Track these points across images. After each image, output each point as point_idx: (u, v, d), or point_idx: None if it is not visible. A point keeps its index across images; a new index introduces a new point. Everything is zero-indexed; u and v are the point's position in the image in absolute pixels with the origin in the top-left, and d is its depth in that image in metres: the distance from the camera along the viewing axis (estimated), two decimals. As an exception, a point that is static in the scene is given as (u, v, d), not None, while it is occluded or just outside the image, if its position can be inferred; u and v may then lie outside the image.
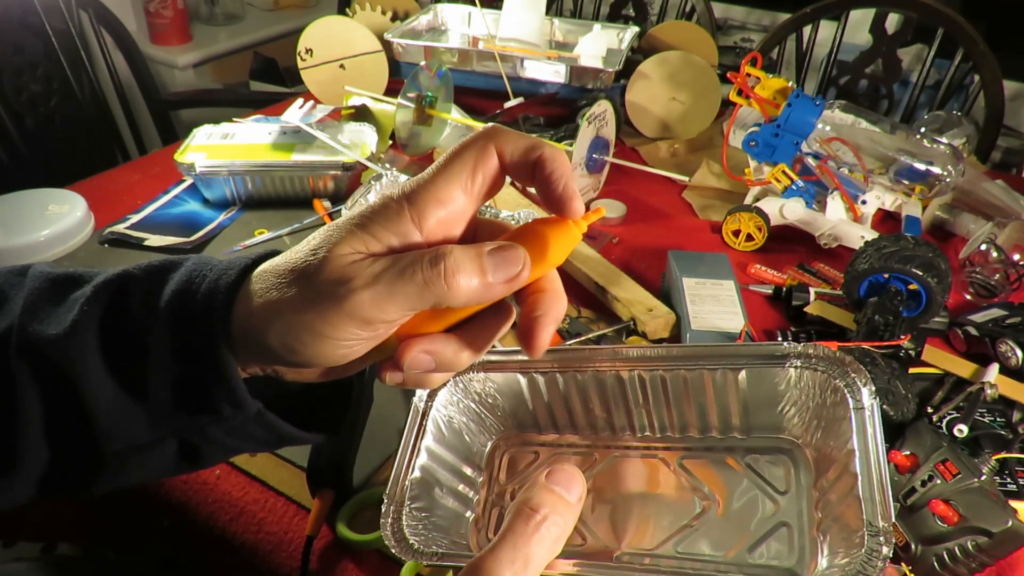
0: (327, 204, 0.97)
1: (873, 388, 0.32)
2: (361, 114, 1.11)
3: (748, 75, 0.92)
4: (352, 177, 0.97)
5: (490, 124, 0.31)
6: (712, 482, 0.37)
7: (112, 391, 0.31)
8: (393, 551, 0.35)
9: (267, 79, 2.08)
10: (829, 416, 0.34)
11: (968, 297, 0.86)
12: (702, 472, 0.38)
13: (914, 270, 0.71)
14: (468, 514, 0.40)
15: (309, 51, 1.21)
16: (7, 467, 0.33)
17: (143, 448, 0.33)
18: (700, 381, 0.36)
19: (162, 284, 0.33)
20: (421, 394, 0.42)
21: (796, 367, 0.34)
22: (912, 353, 0.69)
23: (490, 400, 0.43)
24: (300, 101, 1.07)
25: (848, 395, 0.32)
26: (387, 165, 0.95)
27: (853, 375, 0.32)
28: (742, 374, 0.35)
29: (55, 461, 0.33)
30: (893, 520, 0.29)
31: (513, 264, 0.29)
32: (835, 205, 0.91)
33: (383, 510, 0.36)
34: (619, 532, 0.36)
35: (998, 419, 0.64)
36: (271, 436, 0.34)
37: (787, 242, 0.94)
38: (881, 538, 0.28)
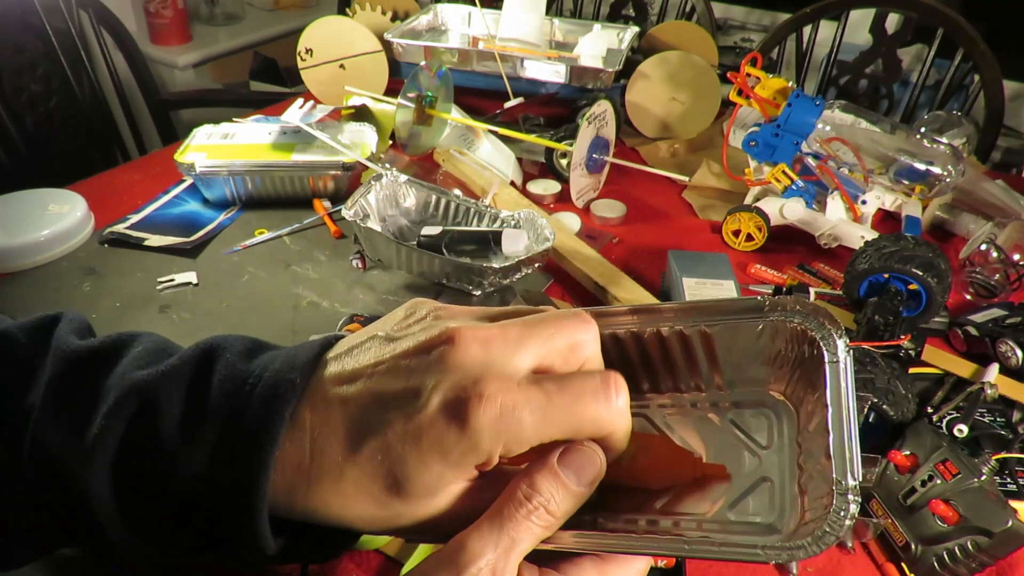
0: (327, 204, 0.97)
1: (848, 340, 0.32)
2: (361, 114, 1.11)
3: (748, 75, 0.92)
4: (352, 177, 0.97)
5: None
6: (695, 439, 0.37)
7: (122, 527, 0.31)
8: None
9: (267, 79, 2.09)
10: (806, 368, 0.33)
11: (968, 297, 0.86)
12: (685, 430, 0.37)
13: (914, 270, 0.71)
14: None
15: (309, 51, 1.21)
16: None
17: (151, 557, 0.33)
18: (679, 338, 0.36)
19: (194, 410, 0.31)
20: None
21: (772, 320, 0.33)
22: (912, 353, 0.69)
23: None
24: (300, 101, 1.07)
25: (824, 347, 0.31)
26: (387, 165, 0.95)
27: (829, 326, 0.32)
28: (719, 328, 0.35)
29: (46, 552, 0.33)
30: (861, 477, 0.29)
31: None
32: (835, 205, 0.91)
33: None
34: (602, 493, 0.36)
35: (998, 419, 0.64)
36: (280, 560, 0.34)
37: (787, 242, 0.94)
38: (849, 496, 0.28)
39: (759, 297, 0.34)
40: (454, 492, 0.29)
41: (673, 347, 0.36)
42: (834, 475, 0.29)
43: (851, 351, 0.31)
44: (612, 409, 0.29)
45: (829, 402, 0.30)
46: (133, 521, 0.31)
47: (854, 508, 0.28)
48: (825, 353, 0.31)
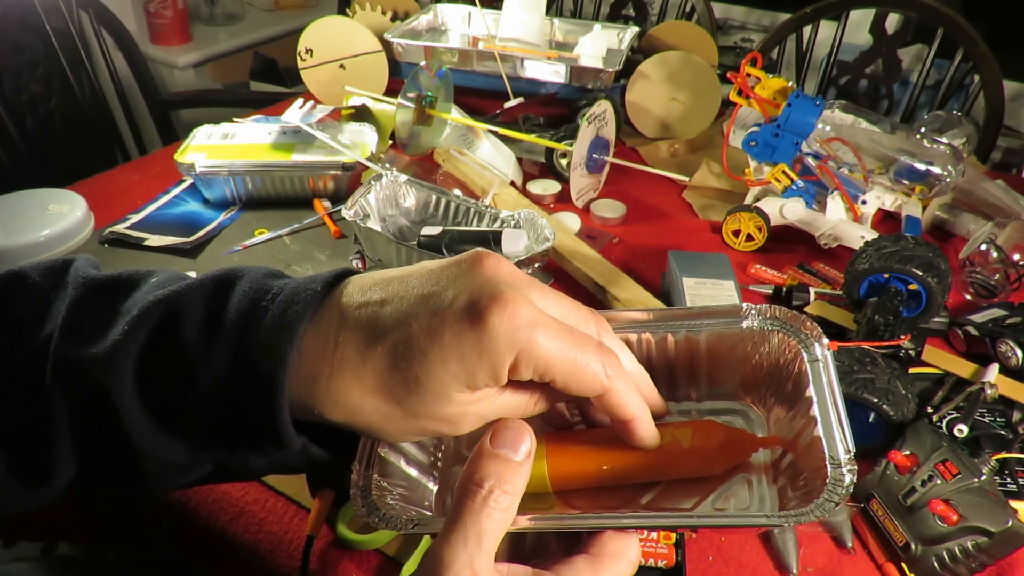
0: (327, 204, 0.97)
1: (826, 341, 0.34)
2: (361, 114, 1.11)
3: (748, 75, 0.92)
4: (352, 177, 0.97)
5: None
6: None
7: (147, 423, 0.31)
8: (368, 522, 0.34)
9: (267, 79, 2.08)
10: (785, 373, 0.35)
11: (968, 297, 0.86)
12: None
13: (914, 270, 0.71)
14: (432, 485, 0.40)
15: (309, 51, 1.21)
16: (38, 482, 0.33)
17: (180, 468, 0.33)
18: (663, 344, 0.37)
19: (217, 314, 0.32)
20: None
21: (753, 327, 0.35)
22: (912, 353, 0.69)
23: None
24: (300, 101, 1.07)
25: (803, 351, 0.34)
26: (387, 165, 0.95)
27: (806, 332, 0.34)
28: (705, 333, 0.36)
29: (86, 474, 0.33)
30: (852, 452, 0.30)
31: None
32: (835, 205, 0.91)
33: (352, 481, 0.35)
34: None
35: (998, 419, 0.64)
36: (309, 463, 0.34)
37: (787, 242, 0.94)
38: (843, 470, 0.30)
39: (743, 306, 0.36)
40: (465, 403, 0.30)
41: (656, 353, 0.37)
42: (827, 453, 0.31)
43: (830, 350, 0.33)
44: (610, 366, 0.31)
45: (814, 393, 0.33)
46: (159, 426, 0.31)
47: (850, 478, 0.30)
48: (805, 355, 0.34)
